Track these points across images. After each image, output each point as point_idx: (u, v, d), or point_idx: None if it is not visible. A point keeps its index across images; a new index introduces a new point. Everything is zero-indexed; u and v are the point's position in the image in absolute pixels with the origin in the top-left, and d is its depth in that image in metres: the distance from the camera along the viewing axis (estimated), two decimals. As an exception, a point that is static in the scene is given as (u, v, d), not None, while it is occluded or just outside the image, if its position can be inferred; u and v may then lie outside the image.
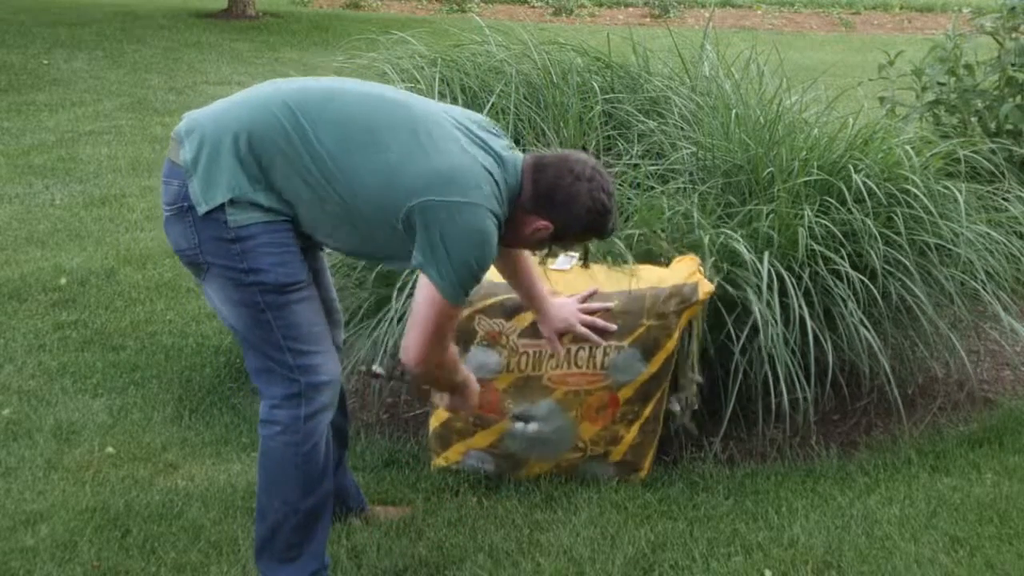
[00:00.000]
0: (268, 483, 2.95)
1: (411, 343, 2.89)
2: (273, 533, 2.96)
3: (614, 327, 3.45)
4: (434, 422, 3.63)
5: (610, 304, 3.46)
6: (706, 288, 3.49)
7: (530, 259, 3.31)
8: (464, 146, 2.85)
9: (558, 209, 2.92)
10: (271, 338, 2.85)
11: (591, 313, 3.45)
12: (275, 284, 2.81)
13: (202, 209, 2.78)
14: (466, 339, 3.46)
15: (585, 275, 3.55)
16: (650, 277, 3.52)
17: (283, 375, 2.87)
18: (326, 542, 3.03)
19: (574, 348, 3.46)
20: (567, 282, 3.51)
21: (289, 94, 2.85)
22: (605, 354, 3.46)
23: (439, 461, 3.64)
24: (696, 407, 3.63)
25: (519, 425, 3.51)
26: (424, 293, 2.85)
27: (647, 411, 3.53)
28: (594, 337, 3.43)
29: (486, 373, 3.46)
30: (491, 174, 2.84)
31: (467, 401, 3.21)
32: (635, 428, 3.54)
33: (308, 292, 2.89)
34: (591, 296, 3.48)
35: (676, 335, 3.48)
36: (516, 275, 3.30)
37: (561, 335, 3.43)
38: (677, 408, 3.60)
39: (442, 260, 2.78)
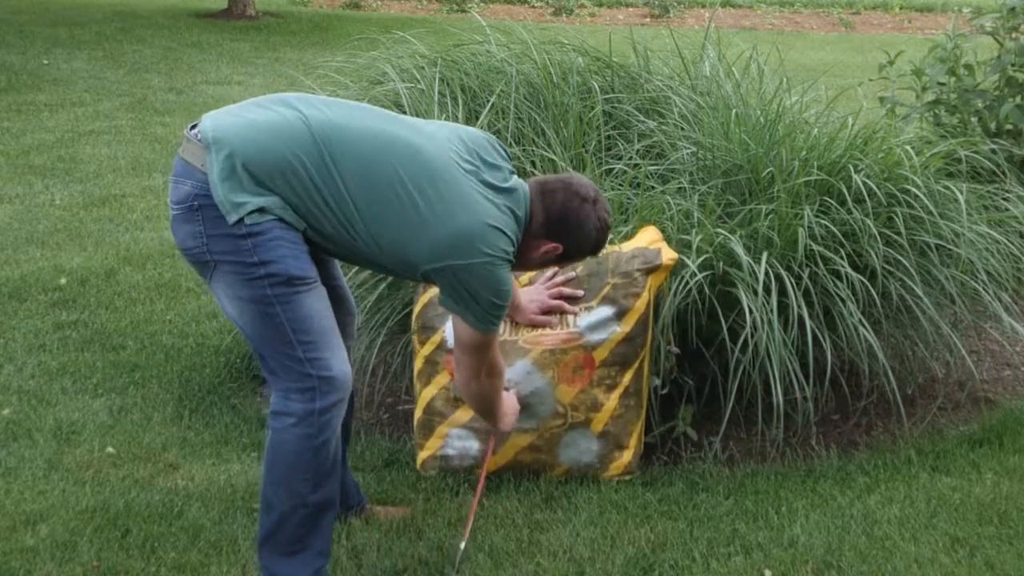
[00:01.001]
0: (277, 475, 2.94)
1: (458, 372, 3.14)
2: (279, 526, 2.95)
3: (581, 292, 3.58)
4: (417, 411, 3.65)
5: (572, 274, 3.60)
6: (669, 254, 3.61)
7: None
8: (479, 199, 2.92)
9: (571, 232, 3.06)
10: (281, 333, 2.86)
11: (557, 285, 3.60)
12: (287, 276, 2.83)
13: (232, 218, 2.80)
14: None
15: None
16: (612, 247, 3.65)
17: (296, 369, 2.87)
18: (331, 538, 3.02)
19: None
20: None
21: (316, 127, 2.87)
22: (577, 315, 3.57)
23: (424, 454, 3.63)
24: (673, 376, 3.68)
25: None
26: (461, 328, 3.02)
27: (626, 378, 3.56)
28: (566, 306, 3.57)
29: None
30: (504, 229, 2.94)
31: (503, 423, 3.39)
32: (615, 396, 3.56)
33: (317, 289, 2.91)
34: (554, 274, 3.62)
35: (645, 296, 3.56)
36: None
37: (537, 315, 3.58)
38: (657, 382, 3.65)
39: (471, 306, 2.93)
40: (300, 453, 2.90)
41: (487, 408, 3.28)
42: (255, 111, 2.94)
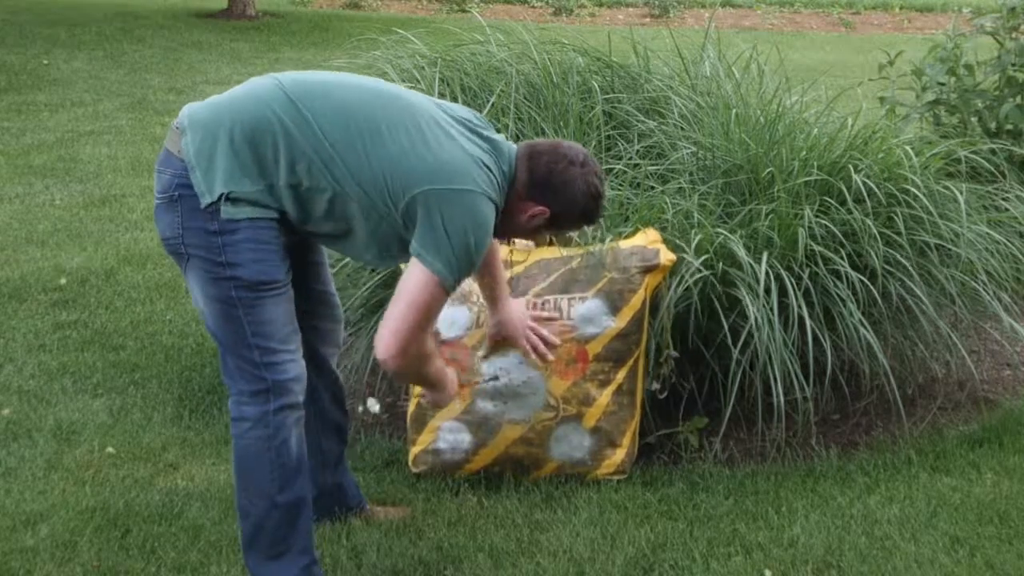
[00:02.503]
0: (244, 481, 2.97)
1: (391, 331, 2.83)
2: (257, 531, 2.96)
3: (559, 341, 3.50)
4: (411, 405, 3.66)
5: (557, 316, 3.53)
6: (668, 255, 3.60)
7: (499, 261, 3.36)
8: (460, 139, 2.91)
9: (555, 193, 2.99)
10: (241, 335, 2.87)
11: (541, 322, 3.51)
12: (250, 281, 2.83)
13: (205, 200, 2.80)
14: None
15: (551, 249, 3.64)
16: (611, 244, 3.63)
17: (251, 372, 2.89)
18: (312, 536, 3.02)
19: (539, 302, 3.56)
20: (534, 252, 3.63)
21: (289, 86, 2.88)
22: (571, 305, 3.54)
23: (415, 449, 3.63)
24: (672, 380, 3.66)
25: (490, 382, 3.54)
26: (415, 279, 2.82)
27: (620, 376, 3.57)
28: (540, 348, 3.46)
29: (457, 330, 3.56)
30: (487, 166, 2.90)
31: (445, 392, 3.23)
32: (608, 392, 3.56)
33: (283, 293, 2.90)
34: (548, 319, 3.53)
35: (641, 293, 3.56)
36: (486, 271, 3.29)
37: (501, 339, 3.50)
38: (656, 387, 3.64)
39: (443, 245, 2.80)
40: (261, 455, 2.92)
41: (421, 375, 3.11)
42: (229, 90, 2.98)
